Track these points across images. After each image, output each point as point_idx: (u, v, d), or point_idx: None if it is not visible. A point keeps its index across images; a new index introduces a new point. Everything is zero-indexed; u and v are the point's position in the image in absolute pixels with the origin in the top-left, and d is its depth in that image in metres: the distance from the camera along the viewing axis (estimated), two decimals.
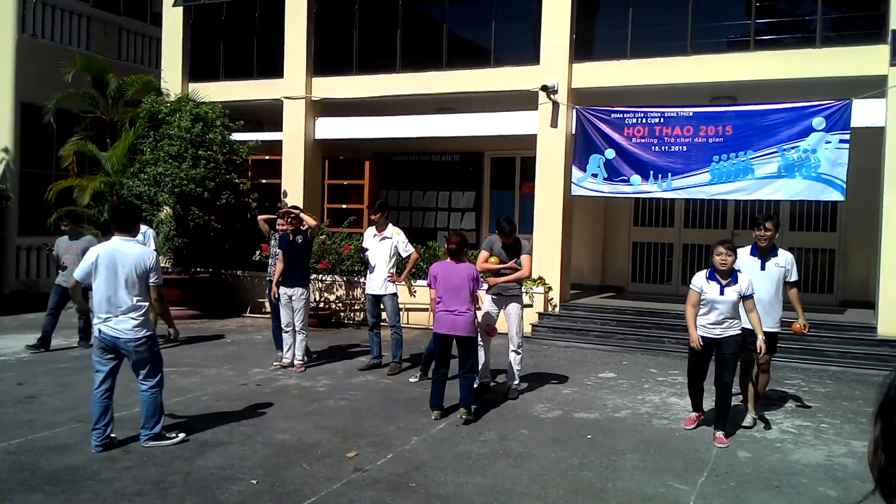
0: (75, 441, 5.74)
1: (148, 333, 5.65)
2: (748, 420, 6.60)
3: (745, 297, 6.05)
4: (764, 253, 6.51)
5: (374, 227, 8.77)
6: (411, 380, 8.06)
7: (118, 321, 5.50)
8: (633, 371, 8.94)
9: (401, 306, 10.59)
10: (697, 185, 10.45)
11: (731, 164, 10.19)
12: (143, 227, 9.67)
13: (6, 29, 13.56)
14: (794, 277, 6.54)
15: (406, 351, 9.13)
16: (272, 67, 13.33)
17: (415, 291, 11.31)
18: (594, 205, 13.34)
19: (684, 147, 10.45)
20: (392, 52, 12.56)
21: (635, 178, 10.78)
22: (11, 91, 13.58)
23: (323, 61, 13.15)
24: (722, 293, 6.03)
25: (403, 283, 9.09)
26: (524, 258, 7.40)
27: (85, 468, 5.15)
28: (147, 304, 5.64)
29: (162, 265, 12.72)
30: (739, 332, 6.10)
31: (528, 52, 11.65)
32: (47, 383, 7.64)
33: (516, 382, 7.54)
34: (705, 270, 6.21)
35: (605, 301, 12.09)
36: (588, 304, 11.68)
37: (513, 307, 7.49)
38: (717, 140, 10.26)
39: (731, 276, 6.06)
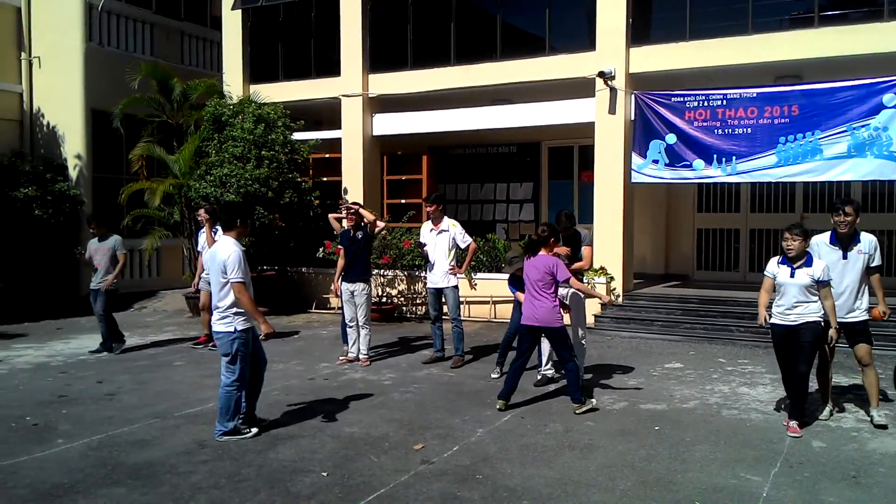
0: (153, 436, 5.96)
1: (237, 328, 5.94)
2: (825, 413, 6.39)
3: (821, 283, 5.92)
4: (845, 240, 6.28)
5: (430, 222, 8.81)
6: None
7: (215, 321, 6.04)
8: (700, 361, 8.78)
9: (461, 299, 10.65)
10: (763, 168, 10.16)
11: (799, 146, 9.88)
12: (220, 229, 9.95)
13: (74, 39, 14.11)
14: (876, 262, 6.29)
15: (468, 344, 9.18)
16: (329, 66, 13.52)
17: (475, 284, 11.32)
18: (656, 192, 13.11)
19: (748, 129, 10.17)
20: (446, 45, 12.57)
21: (698, 162, 10.55)
22: (82, 99, 14.13)
23: (378, 58, 13.26)
24: (792, 276, 5.96)
25: (464, 275, 9.08)
26: (585, 250, 7.35)
27: (163, 462, 5.35)
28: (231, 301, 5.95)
29: None
30: (818, 319, 5.94)
31: (583, 39, 11.50)
32: (125, 381, 7.95)
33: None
34: (779, 256, 6.16)
35: (670, 290, 11.89)
36: (652, 294, 11.50)
37: (573, 299, 7.44)
38: (782, 121, 9.95)
39: (802, 259, 5.96)
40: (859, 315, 6.22)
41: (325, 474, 5.07)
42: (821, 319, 5.97)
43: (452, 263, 8.60)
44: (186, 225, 13.22)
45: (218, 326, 5.97)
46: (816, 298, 5.96)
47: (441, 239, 8.63)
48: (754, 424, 6.20)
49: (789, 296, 5.99)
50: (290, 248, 13.48)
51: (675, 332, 10.37)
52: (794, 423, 5.96)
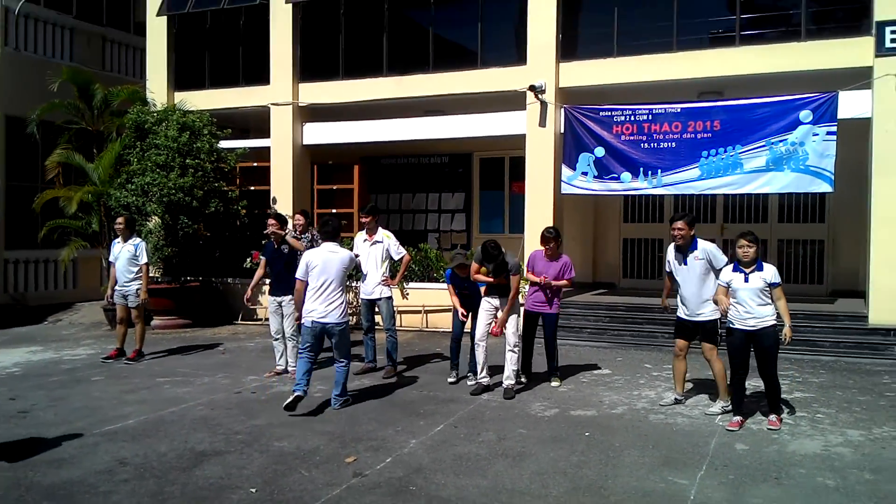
0: (70, 455, 5.68)
1: (346, 319, 7.06)
2: (716, 408, 6.85)
3: (773, 285, 6.27)
4: (683, 249, 6.87)
5: (363, 232, 8.73)
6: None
7: (328, 311, 6.91)
8: (627, 367, 8.96)
9: (395, 309, 10.59)
10: (687, 181, 10.50)
11: (720, 159, 10.25)
12: (136, 239, 9.63)
13: None
14: (720, 264, 6.78)
15: (401, 353, 9.11)
16: (258, 74, 13.29)
17: (407, 294, 11.28)
18: (584, 203, 13.37)
19: (673, 143, 10.50)
20: (378, 55, 12.54)
21: (625, 175, 10.82)
22: None
23: (309, 67, 13.12)
24: (746, 280, 6.28)
25: (397, 286, 9.03)
26: (513, 279, 7.43)
27: (81, 482, 5.10)
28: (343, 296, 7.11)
29: (152, 275, 12.73)
30: (773, 322, 6.28)
31: (514, 53, 11.67)
32: (39, 397, 7.57)
33: (512, 382, 7.55)
34: (731, 264, 6.49)
35: (598, 298, 12.12)
36: (581, 302, 11.69)
37: (512, 318, 7.57)
38: (705, 135, 10.31)
39: (754, 265, 6.29)
40: (710, 315, 6.79)
41: (253, 490, 4.93)
42: (775, 322, 6.29)
43: (386, 275, 8.53)
44: (105, 235, 12.73)
45: (339, 318, 6.99)
46: (770, 301, 6.29)
47: (375, 250, 8.55)
48: (680, 428, 6.34)
49: (746, 301, 6.28)
50: (215, 258, 13.15)
51: (603, 338, 10.56)
52: (773, 418, 6.32)
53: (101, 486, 5.02)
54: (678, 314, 7.07)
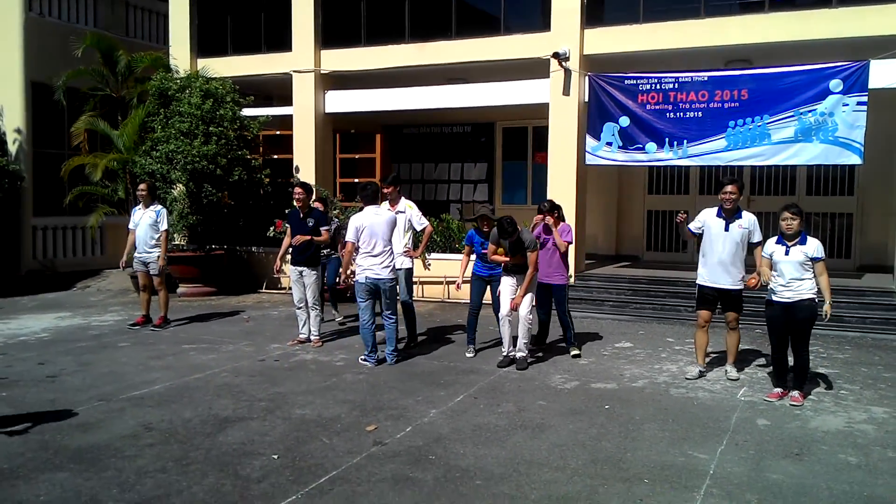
0: (97, 419, 5.80)
1: (395, 276, 7.87)
2: (732, 374, 7.05)
3: (815, 260, 6.24)
4: (729, 214, 6.83)
5: (386, 203, 8.71)
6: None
7: (380, 269, 7.55)
8: (649, 340, 8.92)
9: (415, 280, 10.58)
10: (713, 152, 10.32)
11: (748, 130, 10.05)
12: (157, 206, 9.70)
13: (13, 9, 13.52)
14: (756, 238, 6.82)
15: (422, 325, 9.15)
16: (280, 41, 13.23)
17: (429, 265, 11.26)
18: (608, 174, 13.23)
19: (699, 113, 10.31)
20: (400, 21, 12.41)
21: (650, 145, 10.66)
22: (21, 71, 13.59)
23: (331, 33, 13.02)
24: (787, 253, 6.28)
25: (419, 257, 9.03)
26: (530, 256, 7.41)
27: (108, 446, 5.20)
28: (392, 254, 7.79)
29: (176, 243, 12.87)
30: (812, 296, 6.26)
31: (538, 19, 11.48)
32: (67, 363, 7.71)
33: (524, 353, 7.57)
34: (775, 237, 6.49)
35: (620, 270, 12.04)
36: (603, 274, 11.63)
37: (527, 295, 7.55)
38: (732, 105, 10.11)
39: (797, 238, 6.28)
40: (733, 284, 6.83)
41: (275, 457, 5.00)
42: (815, 296, 6.27)
43: (408, 246, 8.50)
44: (131, 202, 12.85)
45: (389, 275, 7.69)
46: (811, 275, 6.26)
47: (397, 220, 8.54)
48: (701, 403, 6.32)
49: (785, 273, 6.29)
50: (239, 226, 13.23)
51: (625, 312, 10.52)
52: (796, 394, 6.29)
53: (126, 451, 5.12)
54: (699, 282, 7.06)
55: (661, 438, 5.40)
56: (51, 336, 9.21)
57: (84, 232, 14.27)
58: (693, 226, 7.16)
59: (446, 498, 4.36)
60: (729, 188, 6.79)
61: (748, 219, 6.85)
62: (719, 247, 6.85)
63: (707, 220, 7.00)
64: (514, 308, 7.50)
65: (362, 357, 7.72)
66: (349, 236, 7.65)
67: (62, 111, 13.55)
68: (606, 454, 5.08)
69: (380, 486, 4.53)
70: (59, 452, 5.09)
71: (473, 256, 8.16)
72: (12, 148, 13.76)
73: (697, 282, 7.11)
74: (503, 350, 7.76)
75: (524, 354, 7.57)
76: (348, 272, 7.84)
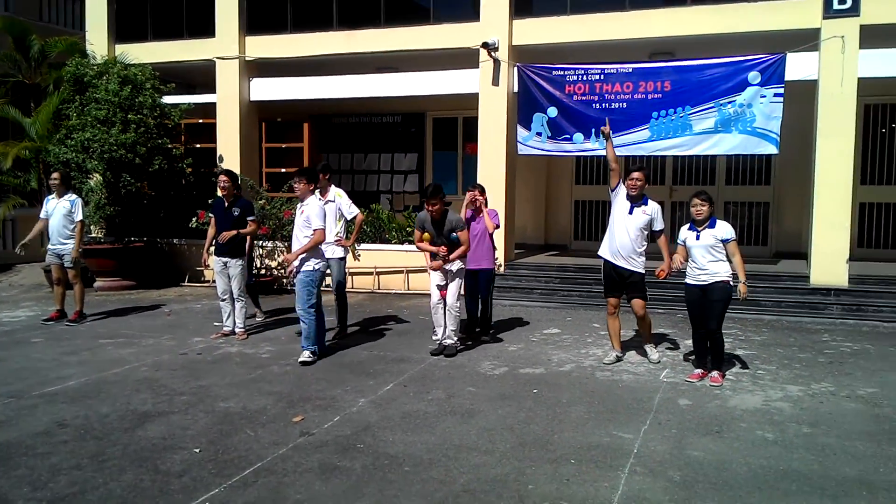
0: (8, 417, 5.51)
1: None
2: (653, 355, 7.21)
3: (726, 241, 6.45)
4: (634, 200, 6.99)
5: (317, 192, 8.53)
6: (433, 337, 7.96)
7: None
8: (576, 326, 9.05)
9: (346, 271, 10.44)
10: (638, 142, 10.53)
11: (670, 121, 10.30)
12: (71, 195, 9.29)
13: None
14: (658, 227, 7.00)
15: (352, 315, 9.05)
16: (203, 27, 12.83)
17: (359, 255, 11.13)
18: (537, 164, 13.36)
19: (624, 104, 10.50)
20: (328, 8, 12.20)
21: (578, 135, 10.80)
22: None
23: (257, 19, 12.71)
24: (698, 238, 6.49)
25: (350, 247, 8.89)
26: (461, 235, 7.38)
27: (19, 444, 4.94)
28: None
29: (93, 235, 12.36)
30: (726, 278, 6.44)
31: (467, 9, 11.47)
32: None
33: (452, 340, 7.57)
34: (688, 224, 6.68)
35: (549, 259, 12.19)
36: (532, 263, 11.75)
37: (455, 281, 7.53)
38: (655, 96, 10.33)
39: (707, 223, 6.47)
40: (635, 267, 6.95)
41: (197, 450, 4.84)
42: (729, 278, 6.46)
43: (340, 235, 8.35)
44: (45, 192, 12.27)
45: None
46: (724, 258, 6.47)
47: (328, 209, 8.37)
48: (626, 385, 6.44)
49: (698, 257, 6.49)
50: (160, 218, 12.79)
51: (553, 299, 10.65)
52: (715, 374, 6.49)
53: (38, 448, 4.87)
54: (601, 253, 7.19)
55: (587, 420, 5.48)
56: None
57: None
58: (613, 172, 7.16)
59: (375, 485, 4.31)
60: (636, 175, 6.92)
61: (653, 207, 6.99)
62: (621, 229, 6.97)
63: (618, 199, 7.08)
64: (443, 296, 7.49)
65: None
66: (325, 222, 7.41)
67: None
68: (534, 437, 5.11)
69: (306, 476, 4.44)
70: None
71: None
72: None
73: (599, 253, 7.23)
74: (434, 337, 7.74)
75: (453, 342, 7.56)
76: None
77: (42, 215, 9.30)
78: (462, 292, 7.70)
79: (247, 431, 5.22)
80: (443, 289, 7.53)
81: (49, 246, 9.20)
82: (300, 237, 7.31)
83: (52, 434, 5.16)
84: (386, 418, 5.50)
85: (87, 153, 11.61)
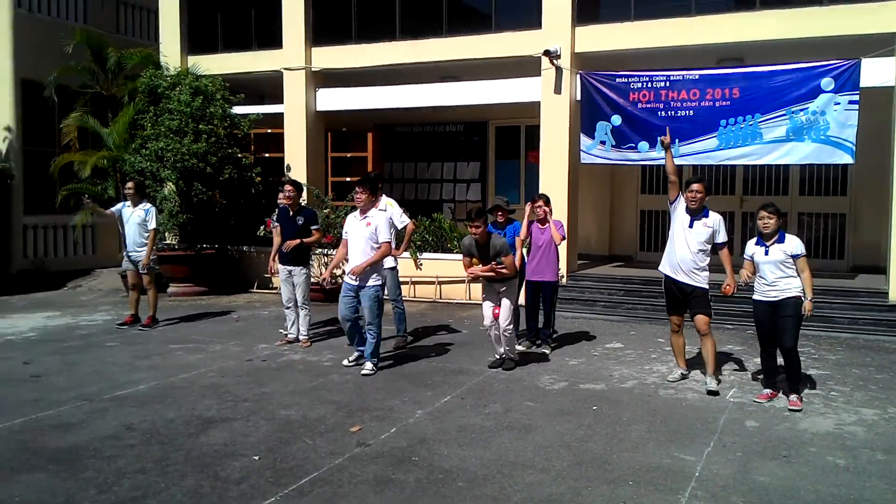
0: (79, 420, 5.73)
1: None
2: (711, 385, 6.66)
3: (795, 257, 6.19)
4: (694, 213, 6.67)
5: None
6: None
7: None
8: (640, 341, 8.87)
9: (407, 279, 10.51)
10: (705, 151, 10.26)
11: (739, 129, 10.00)
12: (146, 204, 9.63)
13: (2, 5, 13.43)
14: (721, 239, 6.67)
15: (411, 324, 9.09)
16: (271, 38, 13.14)
17: (421, 265, 11.21)
18: (600, 173, 13.17)
19: (691, 112, 10.25)
20: (392, 19, 12.33)
21: (643, 144, 10.61)
22: (11, 68, 13.50)
23: (322, 30, 12.94)
24: (767, 253, 6.25)
25: (409, 254, 8.96)
26: (506, 260, 7.01)
27: (88, 447, 5.13)
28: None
29: (168, 241, 12.78)
30: (798, 294, 6.19)
31: (529, 17, 11.40)
32: (53, 362, 7.65)
33: (512, 356, 7.46)
34: (755, 238, 6.43)
35: (613, 271, 11.99)
36: (595, 274, 11.58)
37: (505, 301, 7.24)
38: (723, 104, 10.05)
39: (775, 237, 6.24)
40: (698, 283, 6.64)
41: (256, 458, 4.94)
42: (800, 294, 6.19)
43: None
44: (121, 200, 12.75)
45: None
46: (794, 273, 6.20)
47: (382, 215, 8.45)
48: (690, 404, 6.27)
49: (767, 273, 6.25)
50: (230, 225, 13.14)
51: (617, 312, 10.47)
52: (794, 398, 6.14)
53: (106, 451, 5.05)
54: (661, 269, 6.92)
55: (648, 440, 5.35)
56: (38, 335, 9.13)
57: (73, 231, 14.19)
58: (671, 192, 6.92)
59: (428, 500, 4.30)
60: (695, 186, 6.62)
61: (714, 219, 6.66)
62: (681, 243, 6.68)
63: (677, 211, 6.81)
64: (497, 318, 7.24)
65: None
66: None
67: (52, 108, 13.45)
68: (592, 455, 5.02)
69: (361, 487, 4.47)
70: (38, 453, 5.03)
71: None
72: (2, 146, 13.67)
73: (659, 268, 6.96)
74: (496, 352, 7.60)
75: (512, 356, 7.48)
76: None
77: (114, 211, 9.71)
78: (521, 303, 7.63)
79: (305, 440, 5.29)
80: (496, 305, 7.26)
81: (125, 252, 9.56)
82: (365, 249, 7.22)
83: (120, 437, 5.34)
84: (442, 431, 5.50)
85: (162, 162, 12.03)
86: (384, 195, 8.55)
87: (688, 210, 6.70)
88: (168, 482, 4.53)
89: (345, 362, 7.56)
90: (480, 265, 7.12)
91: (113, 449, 5.10)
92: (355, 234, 7.33)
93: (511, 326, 7.29)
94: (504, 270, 7.00)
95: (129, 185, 9.65)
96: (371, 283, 7.26)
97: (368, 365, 7.26)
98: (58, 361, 7.69)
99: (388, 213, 8.15)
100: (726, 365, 7.52)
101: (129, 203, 9.59)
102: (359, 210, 7.41)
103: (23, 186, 13.79)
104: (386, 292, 8.43)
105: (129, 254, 9.52)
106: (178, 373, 7.23)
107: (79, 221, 13.02)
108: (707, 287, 6.69)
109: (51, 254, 14.45)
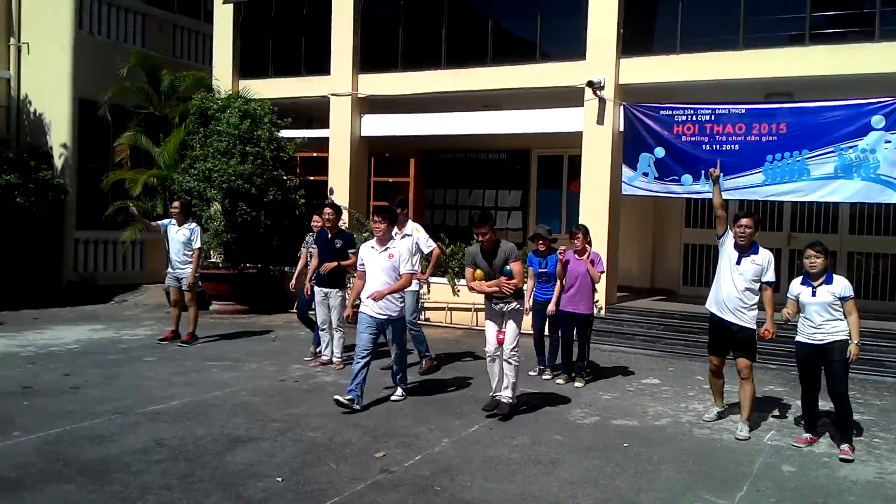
0: (111, 433, 5.84)
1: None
2: (743, 432, 6.35)
3: (843, 299, 5.94)
4: (743, 249, 6.40)
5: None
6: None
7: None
8: (678, 378, 8.67)
9: (444, 305, 10.45)
10: (751, 186, 10.08)
11: (786, 164, 9.80)
12: (191, 223, 9.83)
13: (64, 26, 13.95)
14: (768, 278, 6.35)
15: (445, 351, 9.06)
16: (320, 64, 13.40)
17: (458, 290, 11.20)
18: (643, 205, 13.02)
19: (736, 146, 10.09)
20: (437, 47, 12.47)
21: (686, 177, 10.47)
22: (69, 87, 13.97)
23: (369, 58, 13.15)
24: (814, 294, 6.00)
25: (441, 281, 8.96)
26: (514, 266, 6.50)
27: (117, 460, 5.22)
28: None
29: (212, 259, 13.02)
30: (845, 337, 5.93)
31: (574, 47, 11.40)
32: (93, 375, 7.81)
33: (510, 394, 6.66)
34: (800, 277, 6.20)
35: (653, 304, 11.79)
36: (635, 307, 11.40)
37: (510, 324, 6.66)
38: (770, 139, 9.88)
39: (822, 277, 6.00)
40: (743, 322, 6.34)
41: (279, 479, 4.95)
42: (847, 337, 5.94)
43: (417, 268, 8.33)
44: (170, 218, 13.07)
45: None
46: (842, 316, 5.96)
47: (404, 243, 8.43)
48: (725, 445, 6.09)
49: (814, 315, 6.00)
50: (273, 246, 13.33)
51: (655, 347, 10.27)
52: (845, 447, 5.86)
53: (134, 465, 5.12)
54: (707, 307, 6.65)
55: (679, 480, 5.21)
56: (81, 347, 9.36)
57: (121, 246, 14.56)
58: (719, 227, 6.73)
59: None
60: (744, 221, 6.36)
61: (764, 256, 6.38)
62: (727, 280, 6.43)
63: (725, 247, 6.57)
64: (501, 343, 6.63)
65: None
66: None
67: (107, 127, 13.89)
68: (618, 494, 4.90)
69: None
70: (69, 464, 5.12)
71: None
72: (58, 162, 14.14)
73: (706, 305, 6.70)
74: (491, 394, 6.90)
75: (510, 399, 6.63)
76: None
77: (161, 225, 9.95)
78: (531, 331, 7.61)
79: (329, 464, 5.29)
80: (500, 329, 6.66)
81: (169, 269, 9.77)
82: (387, 281, 6.85)
83: (149, 452, 5.42)
84: (467, 461, 5.44)
85: (209, 182, 12.31)
86: (410, 220, 8.57)
87: (736, 246, 6.43)
88: (191, 500, 4.57)
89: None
90: (485, 280, 6.55)
91: (141, 463, 5.17)
92: (373, 265, 6.93)
93: (516, 354, 6.60)
94: (511, 288, 6.43)
95: (175, 204, 9.87)
96: (398, 314, 7.00)
97: (399, 391, 7.24)
98: (97, 374, 7.86)
99: (413, 239, 8.09)
100: (766, 406, 7.29)
101: (174, 221, 9.80)
102: (376, 240, 7.10)
103: (76, 202, 14.22)
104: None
105: (174, 271, 9.71)
106: (212, 390, 7.32)
107: (128, 237, 13.36)
108: (754, 328, 6.37)
109: (100, 268, 14.83)
